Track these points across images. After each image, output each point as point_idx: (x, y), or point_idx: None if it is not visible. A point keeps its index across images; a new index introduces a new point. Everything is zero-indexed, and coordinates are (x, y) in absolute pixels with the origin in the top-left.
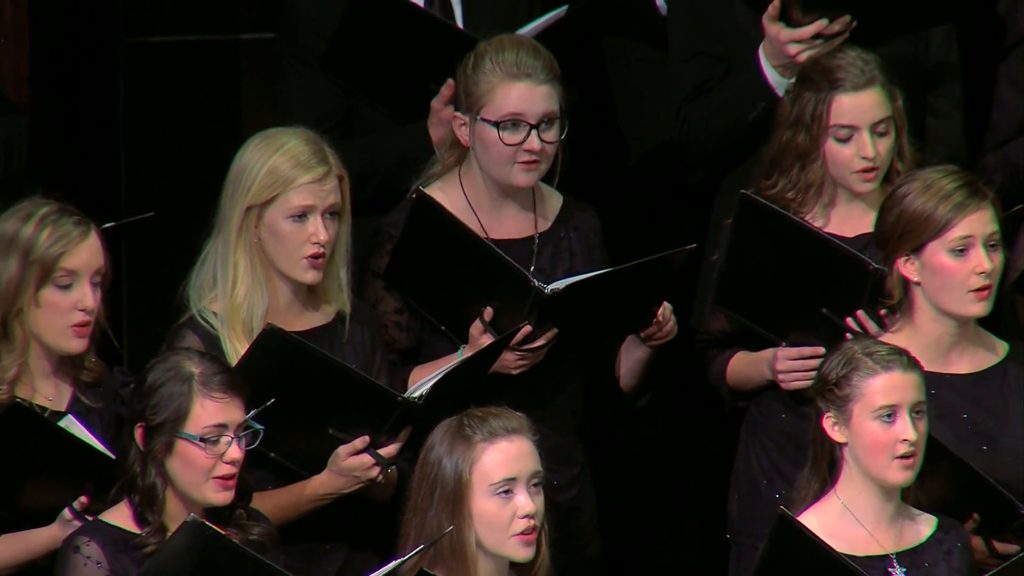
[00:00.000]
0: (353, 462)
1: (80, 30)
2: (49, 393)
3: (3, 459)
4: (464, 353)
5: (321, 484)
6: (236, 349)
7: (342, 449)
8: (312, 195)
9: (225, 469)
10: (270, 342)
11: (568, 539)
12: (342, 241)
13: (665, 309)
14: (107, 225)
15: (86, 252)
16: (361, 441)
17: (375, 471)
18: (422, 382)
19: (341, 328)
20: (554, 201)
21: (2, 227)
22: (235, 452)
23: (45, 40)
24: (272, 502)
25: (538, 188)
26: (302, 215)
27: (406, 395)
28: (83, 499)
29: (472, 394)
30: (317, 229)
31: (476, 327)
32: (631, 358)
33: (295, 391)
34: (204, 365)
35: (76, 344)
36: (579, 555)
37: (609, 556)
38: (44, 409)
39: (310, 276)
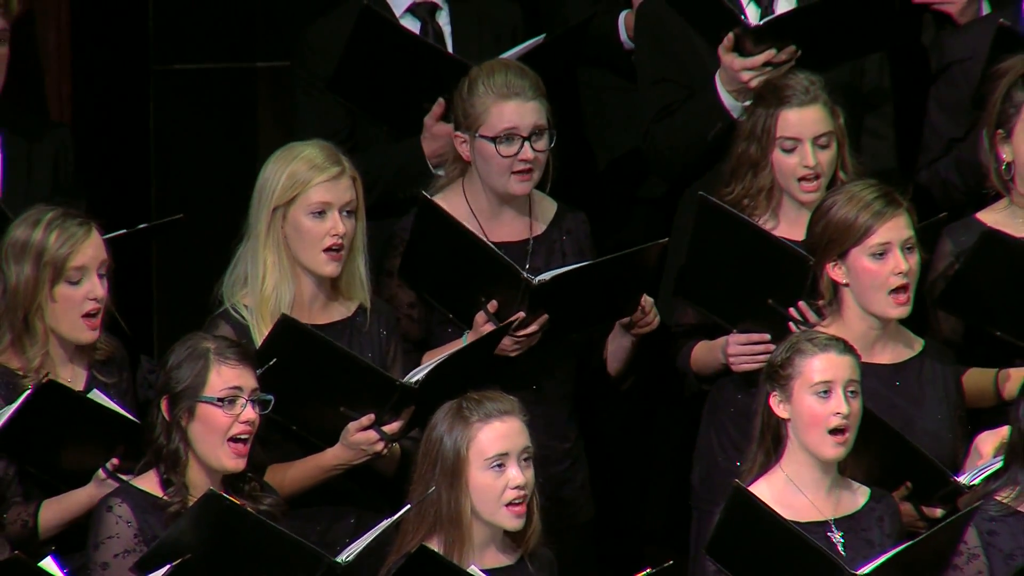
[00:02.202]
0: (360, 437)
1: (115, 58)
2: (67, 377)
3: (42, 429)
4: (468, 338)
5: (334, 456)
6: (264, 336)
7: (351, 425)
8: (328, 192)
9: (240, 429)
10: (284, 330)
11: (560, 506)
12: (359, 237)
13: (647, 302)
14: (140, 226)
15: (91, 248)
16: (367, 419)
17: (380, 445)
18: (420, 368)
19: (361, 320)
20: (548, 207)
21: (15, 235)
22: (249, 413)
23: (85, 66)
24: (294, 471)
25: (534, 196)
26: (321, 212)
27: (404, 380)
28: (115, 460)
29: (475, 378)
30: (335, 223)
31: (480, 316)
32: (617, 346)
33: (309, 373)
34: (217, 341)
35: (88, 335)
36: (570, 521)
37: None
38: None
39: (330, 268)
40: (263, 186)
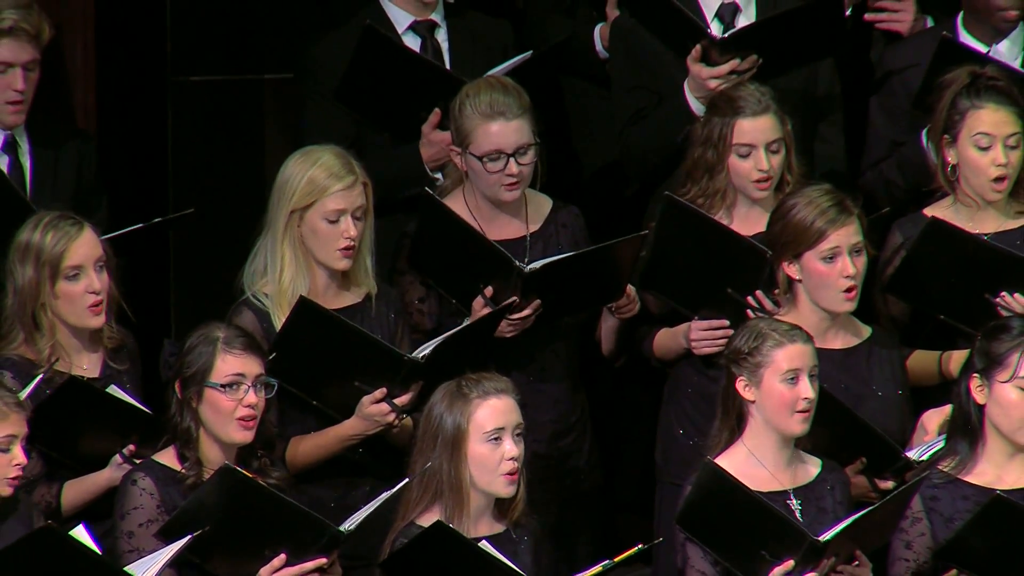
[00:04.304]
0: (374, 409)
1: (136, 71)
2: (84, 363)
3: (65, 419)
4: (467, 322)
5: (351, 427)
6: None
7: (365, 399)
8: (343, 200)
9: (244, 412)
10: (302, 310)
11: (569, 476)
12: (367, 235)
13: (630, 290)
14: (156, 220)
15: (84, 246)
16: (380, 392)
17: (391, 417)
18: (426, 344)
19: (369, 306)
20: (543, 205)
21: (19, 239)
22: (252, 398)
23: (108, 79)
24: (313, 442)
25: (529, 195)
26: (336, 219)
27: (411, 355)
28: (131, 447)
29: (479, 361)
30: (348, 227)
31: (478, 302)
32: (607, 328)
33: (326, 351)
34: (228, 331)
35: (95, 321)
36: (578, 488)
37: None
38: (81, 378)
39: (343, 264)
40: (283, 187)
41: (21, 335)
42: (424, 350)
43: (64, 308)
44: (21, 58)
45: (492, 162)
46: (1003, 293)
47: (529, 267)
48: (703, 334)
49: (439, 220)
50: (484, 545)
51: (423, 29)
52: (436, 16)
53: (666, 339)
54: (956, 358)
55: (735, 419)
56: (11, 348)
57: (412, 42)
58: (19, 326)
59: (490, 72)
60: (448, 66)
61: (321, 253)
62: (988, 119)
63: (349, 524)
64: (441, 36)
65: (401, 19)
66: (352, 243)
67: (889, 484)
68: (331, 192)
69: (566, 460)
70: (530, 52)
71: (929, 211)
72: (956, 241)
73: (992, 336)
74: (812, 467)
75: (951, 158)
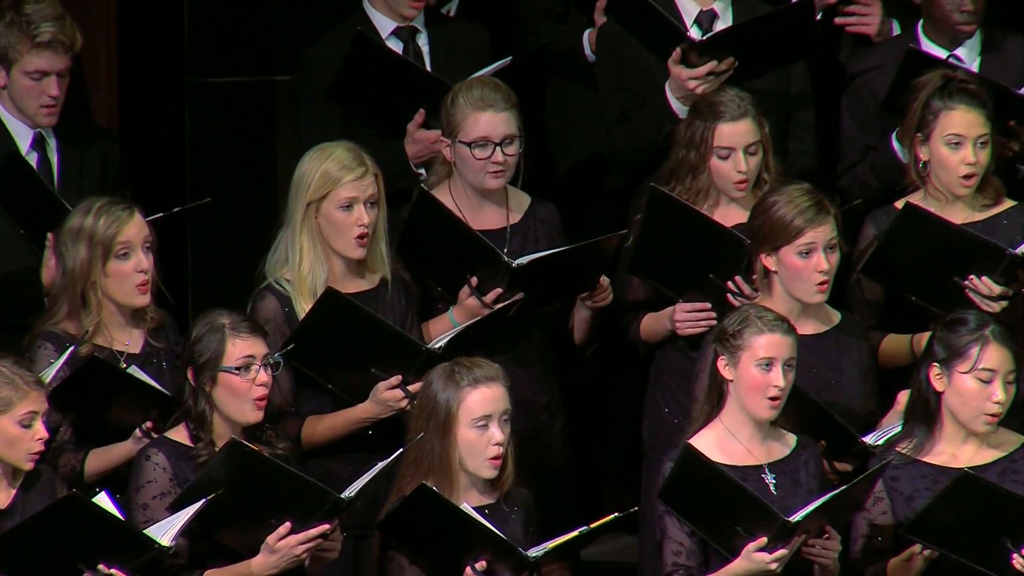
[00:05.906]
0: (388, 395)
1: (156, 74)
2: (126, 340)
3: (90, 395)
4: (453, 312)
5: (365, 410)
6: (304, 308)
7: (381, 384)
8: (355, 189)
9: (258, 391)
10: (328, 300)
11: (541, 452)
12: (380, 223)
13: (604, 280)
14: (175, 209)
15: (135, 227)
16: (395, 379)
17: (404, 402)
18: (441, 337)
19: (384, 291)
20: (523, 200)
21: (70, 223)
22: (264, 377)
23: (130, 81)
24: (327, 423)
25: (509, 191)
26: (349, 205)
27: (429, 346)
28: (148, 424)
29: (484, 347)
30: (361, 215)
31: (464, 291)
32: (579, 318)
33: (346, 338)
34: (232, 316)
35: (142, 299)
36: (550, 464)
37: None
38: (122, 353)
39: (358, 253)
40: (299, 182)
41: (64, 311)
42: (439, 341)
43: (113, 286)
44: (57, 67)
45: (479, 149)
46: (971, 276)
47: (517, 262)
48: (687, 316)
49: (433, 214)
50: (465, 507)
51: (405, 34)
52: (417, 23)
53: (652, 323)
54: (924, 339)
55: (716, 395)
56: (51, 323)
57: (395, 46)
58: (66, 304)
59: (474, 75)
60: (429, 69)
61: (338, 242)
62: (960, 120)
63: (349, 492)
64: (422, 41)
65: (385, 25)
66: (366, 230)
67: (848, 467)
68: (343, 182)
69: (540, 437)
70: (510, 57)
71: (901, 202)
72: (929, 225)
73: (950, 328)
74: (787, 443)
75: (923, 155)
